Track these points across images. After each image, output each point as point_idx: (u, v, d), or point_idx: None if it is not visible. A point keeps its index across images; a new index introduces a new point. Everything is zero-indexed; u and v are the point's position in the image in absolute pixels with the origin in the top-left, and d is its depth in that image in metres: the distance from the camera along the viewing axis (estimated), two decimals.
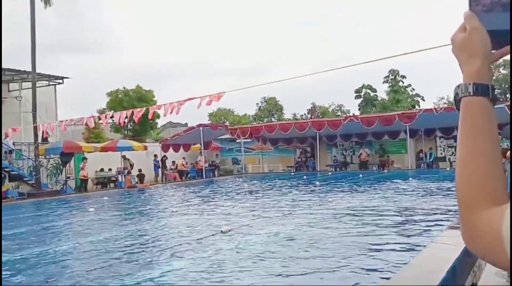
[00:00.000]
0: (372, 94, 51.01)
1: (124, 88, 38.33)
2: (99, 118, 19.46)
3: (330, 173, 28.17)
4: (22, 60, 39.85)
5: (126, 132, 37.39)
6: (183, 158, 30.30)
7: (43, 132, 21.41)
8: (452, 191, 14.22)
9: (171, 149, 29.90)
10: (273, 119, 53.43)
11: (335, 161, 31.47)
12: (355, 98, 51.55)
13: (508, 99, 28.35)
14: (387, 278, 4.89)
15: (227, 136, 33.32)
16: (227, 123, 46.16)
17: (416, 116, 25.87)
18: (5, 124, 20.69)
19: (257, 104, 57.83)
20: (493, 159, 0.79)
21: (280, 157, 34.13)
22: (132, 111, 15.74)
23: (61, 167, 24.14)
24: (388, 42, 72.69)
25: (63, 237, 9.77)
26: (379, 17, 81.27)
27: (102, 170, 25.36)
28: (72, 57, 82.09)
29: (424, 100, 49.76)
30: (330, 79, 70.93)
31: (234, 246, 7.42)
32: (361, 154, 30.39)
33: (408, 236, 7.73)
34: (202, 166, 29.75)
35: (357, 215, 10.35)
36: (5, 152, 21.98)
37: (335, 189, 17.61)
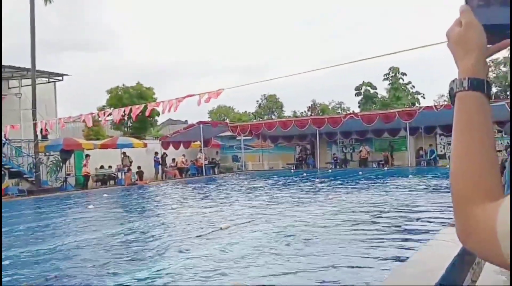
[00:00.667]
0: (372, 91, 50.96)
1: (123, 85, 38.29)
2: (98, 116, 19.40)
3: (330, 170, 28.17)
4: (23, 58, 39.83)
5: (126, 129, 37.37)
6: (183, 155, 30.30)
7: (42, 129, 21.36)
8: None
9: (171, 146, 29.92)
10: (273, 117, 53.40)
11: (335, 158, 31.48)
12: (355, 95, 51.54)
13: (508, 97, 28.30)
14: (387, 275, 4.87)
15: (227, 133, 33.32)
16: (227, 121, 46.14)
17: (416, 113, 25.87)
18: (4, 121, 20.67)
19: (257, 101, 57.86)
20: (488, 154, 0.78)
21: (280, 155, 34.13)
22: (131, 108, 15.69)
23: (61, 164, 24.14)
24: (387, 42, 72.56)
25: (63, 233, 9.76)
26: (379, 18, 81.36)
27: (102, 167, 25.36)
28: (72, 55, 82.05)
29: (424, 98, 49.74)
30: (330, 77, 71.02)
31: (233, 243, 7.40)
32: (361, 151, 30.37)
33: (408, 233, 7.73)
34: (202, 164, 29.75)
35: (356, 212, 10.33)
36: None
37: (335, 186, 17.61)
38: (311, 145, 32.88)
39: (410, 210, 10.32)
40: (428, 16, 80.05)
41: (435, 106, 26.52)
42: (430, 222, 8.51)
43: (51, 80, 27.63)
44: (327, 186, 18.04)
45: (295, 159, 33.59)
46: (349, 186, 17.16)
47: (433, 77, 67.38)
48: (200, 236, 8.25)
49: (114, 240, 8.52)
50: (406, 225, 8.56)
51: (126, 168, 25.26)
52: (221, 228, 8.71)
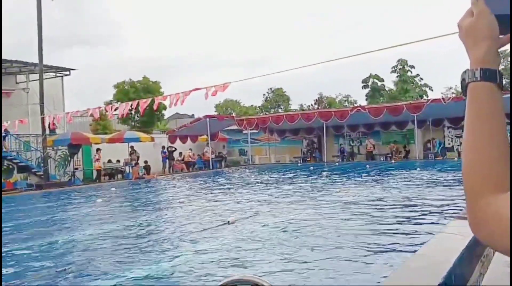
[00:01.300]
0: (379, 84, 50.71)
1: (130, 79, 38.37)
2: (105, 110, 19.51)
3: (337, 163, 28.11)
4: (30, 53, 40.04)
5: (133, 123, 37.49)
6: (190, 149, 30.36)
7: (49, 124, 21.50)
8: (460, 181, 14.14)
9: (178, 140, 29.98)
10: (279, 110, 53.32)
11: (342, 149, 31.34)
12: (362, 88, 51.33)
13: None
14: (394, 269, 4.86)
15: (234, 127, 33.32)
16: (233, 114, 46.15)
17: (424, 106, 25.72)
18: (13, 115, 20.81)
19: (264, 95, 57.77)
20: (500, 145, 0.78)
21: (287, 148, 34.10)
22: (138, 102, 15.73)
23: (69, 158, 24.28)
24: (394, 35, 72.16)
25: (74, 227, 9.83)
26: (385, 11, 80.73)
27: (109, 161, 25.48)
28: (79, 51, 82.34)
29: (432, 90, 49.42)
30: (337, 70, 70.81)
31: (241, 237, 7.42)
32: (367, 145, 30.27)
33: (415, 225, 7.70)
34: (209, 157, 29.80)
35: (364, 205, 10.31)
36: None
37: (342, 179, 17.57)
38: (318, 139, 32.82)
39: (418, 203, 10.27)
40: (435, 7, 79.34)
41: (443, 98, 26.35)
42: (438, 214, 8.47)
43: (58, 75, 27.74)
44: (334, 179, 18.01)
45: (302, 153, 33.54)
46: (356, 179, 17.12)
47: (441, 70, 66.98)
48: (207, 229, 8.27)
49: (124, 233, 8.56)
50: (414, 217, 8.53)
51: (133, 162, 25.37)
52: (228, 222, 8.72)
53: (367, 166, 23.82)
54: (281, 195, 13.26)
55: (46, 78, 24.00)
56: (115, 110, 17.88)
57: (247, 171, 26.29)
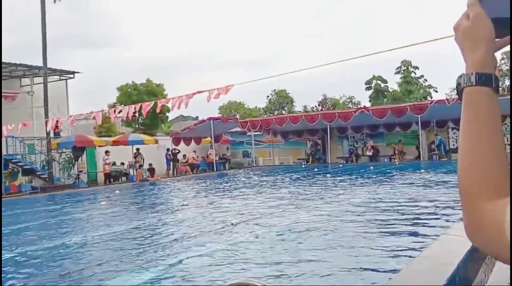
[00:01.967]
0: (383, 85, 50.65)
1: (133, 82, 38.42)
2: (108, 113, 19.56)
3: (341, 165, 28.07)
4: (34, 55, 40.21)
5: (137, 126, 37.55)
6: (194, 151, 30.38)
7: (52, 127, 21.56)
8: None
9: (182, 143, 30.00)
10: (283, 112, 53.32)
11: (351, 151, 31.21)
12: (366, 89, 51.27)
13: None
14: (398, 270, 4.85)
15: (238, 129, 33.30)
16: (237, 116, 46.15)
17: (428, 107, 25.61)
18: (17, 119, 20.88)
19: (268, 96, 57.79)
20: (497, 150, 0.77)
21: (291, 150, 34.06)
22: (141, 105, 15.76)
23: (73, 161, 24.35)
24: (397, 35, 72.06)
25: (81, 229, 9.87)
26: (389, 8, 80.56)
27: (114, 164, 25.53)
28: (83, 52, 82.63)
29: (436, 91, 49.28)
30: (341, 71, 70.45)
31: (244, 239, 7.42)
32: (368, 147, 30.18)
33: (419, 228, 7.68)
34: (213, 159, 29.82)
35: (367, 207, 10.29)
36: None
37: (347, 181, 17.55)
38: (322, 140, 32.76)
39: (422, 205, 10.24)
40: (439, 9, 79.23)
41: (447, 99, 26.20)
42: (442, 216, 8.44)
43: (62, 77, 27.85)
44: (338, 181, 17.98)
45: (306, 155, 33.48)
46: (360, 181, 17.09)
47: (446, 71, 66.75)
48: (211, 231, 8.27)
49: (128, 236, 8.58)
50: (418, 219, 8.50)
51: (138, 165, 25.40)
52: (232, 224, 8.72)
53: (371, 167, 23.77)
54: (285, 197, 13.24)
55: (50, 81, 24.10)
56: (119, 113, 17.91)
57: (251, 173, 26.28)
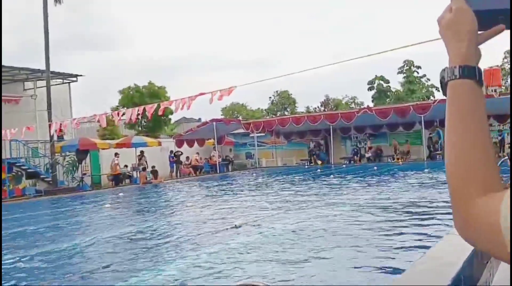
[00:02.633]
0: (385, 85, 50.59)
1: (135, 85, 38.47)
2: (112, 116, 19.62)
3: (344, 165, 28.04)
4: (37, 59, 40.31)
5: (140, 128, 37.59)
6: (197, 153, 30.41)
7: (56, 130, 21.66)
8: None
9: (185, 145, 30.04)
10: (286, 113, 53.31)
11: (356, 151, 31.12)
12: (368, 90, 51.22)
13: None
14: (403, 270, 4.84)
15: (241, 130, 33.33)
16: (240, 118, 46.17)
17: (431, 106, 25.57)
18: (20, 122, 20.96)
19: (270, 98, 57.79)
20: (483, 143, 0.76)
21: (294, 151, 34.04)
22: (144, 108, 15.81)
23: (77, 164, 24.41)
24: (399, 34, 72.04)
25: (85, 231, 9.88)
26: (389, 8, 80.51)
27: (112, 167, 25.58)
28: (84, 55, 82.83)
29: (439, 91, 48.60)
30: (343, 71, 70.65)
31: (248, 240, 7.41)
32: (369, 147, 30.12)
33: (424, 227, 7.66)
34: (216, 161, 29.83)
35: (371, 207, 10.28)
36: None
37: (350, 181, 17.53)
38: (324, 141, 32.73)
39: (426, 204, 10.22)
40: (439, 8, 78.93)
41: None
42: (447, 215, 8.42)
43: (65, 81, 27.92)
44: (342, 181, 17.96)
45: (309, 155, 33.44)
46: (364, 181, 17.06)
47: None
48: (215, 233, 8.27)
49: (132, 237, 8.60)
50: (423, 218, 8.49)
51: (141, 167, 25.43)
52: (235, 226, 8.72)
53: (375, 168, 23.73)
54: (289, 198, 13.23)
55: (53, 85, 24.18)
56: (122, 115, 17.96)
57: (254, 174, 26.28)
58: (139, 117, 20.98)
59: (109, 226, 10.40)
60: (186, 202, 13.97)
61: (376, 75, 50.41)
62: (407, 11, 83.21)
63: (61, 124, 19.82)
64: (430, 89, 49.33)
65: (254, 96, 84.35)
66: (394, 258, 5.76)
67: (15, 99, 24.13)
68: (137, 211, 13.18)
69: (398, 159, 28.20)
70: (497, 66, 31.81)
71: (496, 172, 0.75)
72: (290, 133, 33.16)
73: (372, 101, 50.07)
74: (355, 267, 5.50)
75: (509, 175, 6.33)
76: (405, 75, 49.31)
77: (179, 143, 29.83)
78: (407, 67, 49.05)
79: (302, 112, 51.44)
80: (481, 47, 0.86)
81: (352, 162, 30.15)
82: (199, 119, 48.09)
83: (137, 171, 25.49)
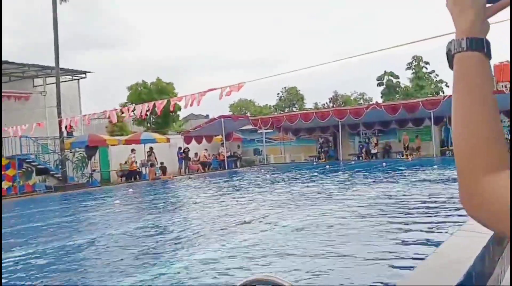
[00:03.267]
0: (394, 81, 50.32)
1: (142, 81, 38.58)
2: (122, 111, 19.70)
3: (353, 162, 27.96)
4: (46, 57, 40.56)
5: (148, 125, 37.75)
6: (205, 149, 30.47)
7: (66, 127, 21.80)
8: None
9: (193, 141, 30.11)
10: (294, 109, 53.23)
11: (362, 146, 31.00)
12: (377, 85, 51.00)
13: None
14: (413, 267, 4.83)
15: (249, 127, 33.33)
16: (248, 114, 46.17)
17: (440, 102, 25.39)
18: (31, 118, 21.12)
19: (278, 94, 57.73)
20: (491, 118, 0.73)
21: (302, 147, 33.99)
22: (154, 104, 15.86)
23: (87, 160, 24.57)
24: (410, 30, 71.48)
25: (95, 228, 9.96)
26: (389, 8, 79.98)
27: (126, 163, 25.71)
28: (94, 53, 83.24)
29: (448, 86, 48.85)
30: (352, 67, 70.32)
31: (258, 236, 7.43)
32: (375, 143, 29.99)
33: (434, 224, 7.63)
34: (224, 157, 29.88)
35: (381, 203, 10.25)
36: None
37: (359, 178, 17.48)
38: (333, 137, 32.65)
39: (436, 200, 10.17)
40: (439, 7, 78.17)
41: None
42: (457, 212, 8.37)
43: (74, 77, 28.07)
44: (351, 178, 17.92)
45: (317, 152, 33.39)
46: (373, 178, 17.01)
47: None
48: (224, 229, 8.30)
49: (142, 233, 8.65)
50: (433, 215, 8.45)
51: (149, 163, 25.56)
52: (245, 222, 8.74)
53: (384, 164, 23.64)
54: (298, 194, 13.23)
55: (62, 81, 24.32)
56: (133, 111, 18.04)
57: (263, 170, 26.29)
58: (149, 113, 21.07)
59: (124, 221, 10.48)
60: (196, 198, 14.02)
61: (385, 71, 50.15)
62: (407, 11, 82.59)
63: (71, 120, 19.93)
64: (439, 84, 49.02)
65: (262, 93, 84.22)
66: (405, 255, 5.74)
67: (25, 95, 24.31)
68: (150, 207, 13.24)
69: (407, 155, 28.06)
70: (507, 61, 31.51)
71: (505, 149, 0.73)
72: (298, 130, 33.10)
73: (381, 97, 49.86)
74: (366, 263, 5.49)
75: None
76: (413, 71, 49.02)
77: (188, 140, 29.90)
78: (416, 63, 48.75)
79: (310, 108, 51.36)
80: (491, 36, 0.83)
81: (360, 158, 30.04)
82: (207, 115, 48.17)
83: (146, 167, 25.61)
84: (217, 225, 8.84)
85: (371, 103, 39.14)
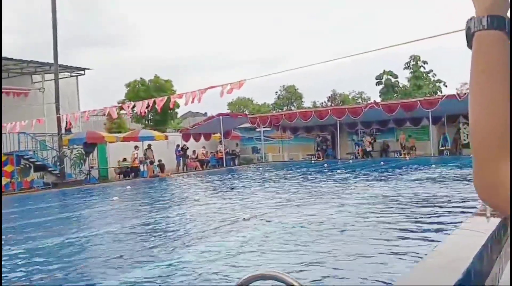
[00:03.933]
0: (393, 80, 50.34)
1: (141, 78, 38.46)
2: (121, 108, 19.67)
3: (351, 161, 28.02)
4: (47, 53, 40.45)
5: (146, 122, 37.70)
6: (204, 147, 30.48)
7: (66, 123, 21.79)
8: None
9: (191, 139, 30.13)
10: (292, 108, 53.24)
11: (357, 144, 31.07)
12: (376, 84, 50.99)
13: None
14: (413, 265, 4.86)
15: (247, 125, 33.36)
16: (246, 112, 46.16)
17: (438, 102, 25.45)
18: (29, 115, 21.09)
19: (276, 92, 57.70)
20: (510, 100, 0.70)
21: (300, 146, 34.05)
22: (154, 100, 15.86)
23: (85, 157, 24.56)
24: (408, 29, 71.51)
25: (95, 224, 9.99)
26: (389, 8, 79.98)
27: (125, 160, 25.72)
28: (93, 51, 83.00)
29: (446, 86, 48.95)
30: (350, 66, 70.30)
31: (257, 234, 7.46)
32: (369, 142, 30.06)
33: (433, 223, 7.67)
34: (222, 155, 29.90)
35: (379, 202, 10.29)
36: None
37: (357, 176, 17.52)
38: (331, 136, 32.70)
39: (434, 200, 10.22)
40: (439, 7, 78.48)
41: (458, 94, 26.01)
42: (455, 211, 8.42)
43: (73, 74, 28.01)
44: (349, 176, 17.96)
45: (315, 150, 33.44)
46: (370, 177, 17.06)
47: (455, 65, 66.18)
48: (223, 226, 8.32)
49: (140, 230, 8.67)
50: (431, 214, 8.49)
51: (148, 161, 25.57)
52: (244, 219, 8.77)
53: (382, 163, 23.69)
54: (296, 192, 13.27)
55: (61, 78, 24.26)
56: (133, 108, 18.02)
57: (261, 168, 26.31)
58: (146, 110, 21.05)
59: (115, 219, 10.50)
60: (194, 196, 14.03)
61: (384, 70, 50.15)
62: (407, 11, 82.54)
63: (70, 117, 19.90)
64: (437, 84, 49.05)
65: (260, 91, 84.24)
66: (404, 252, 5.78)
67: (24, 92, 24.25)
68: (150, 204, 13.23)
69: (405, 154, 28.13)
70: None
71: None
72: (296, 128, 33.14)
73: (380, 96, 49.85)
74: (364, 262, 5.52)
75: None
76: (411, 70, 49.04)
77: (186, 137, 29.92)
78: (414, 63, 48.76)
79: (308, 107, 51.36)
80: None
81: (357, 157, 30.09)
82: (205, 113, 48.15)
83: (144, 165, 25.62)
84: (215, 222, 8.86)
85: (369, 102, 39.19)
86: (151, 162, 25.55)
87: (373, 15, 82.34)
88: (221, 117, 29.97)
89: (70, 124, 23.58)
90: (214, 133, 31.56)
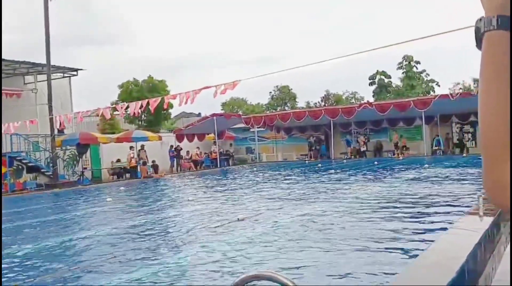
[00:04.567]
0: (386, 80, 50.52)
1: (134, 79, 38.29)
2: (115, 109, 19.61)
3: (344, 161, 28.08)
4: (39, 53, 40.22)
5: (140, 123, 37.57)
6: (197, 148, 30.44)
7: (60, 123, 21.68)
8: (466, 177, 14.10)
9: (185, 139, 30.07)
10: (286, 108, 53.27)
11: (348, 141, 31.14)
12: (369, 85, 51.14)
13: None
14: (407, 264, 4.88)
15: (241, 125, 33.36)
16: (240, 113, 46.16)
17: (431, 102, 25.58)
18: (22, 116, 20.97)
19: (270, 93, 57.70)
20: None
21: (294, 146, 34.09)
22: (148, 101, 15.81)
23: (78, 158, 24.44)
24: (401, 30, 71.78)
25: (88, 225, 9.93)
26: (389, 8, 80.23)
27: (118, 160, 25.62)
28: (86, 50, 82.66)
29: (439, 86, 49.20)
30: (344, 67, 70.42)
31: (251, 234, 7.45)
32: (363, 142, 30.12)
33: (427, 222, 7.70)
34: (216, 156, 29.87)
35: (373, 202, 10.31)
36: None
37: (350, 176, 17.56)
38: (325, 136, 32.76)
39: (428, 199, 10.26)
40: (439, 7, 78.84)
41: (450, 94, 26.15)
42: (449, 210, 8.46)
43: (65, 75, 27.87)
44: (342, 176, 18.00)
45: (309, 150, 33.48)
46: (364, 176, 17.10)
47: (448, 65, 66.61)
48: (217, 226, 8.31)
49: (134, 231, 8.63)
50: (425, 213, 8.52)
51: (142, 161, 25.48)
52: (238, 219, 8.76)
53: (375, 162, 23.77)
54: (291, 192, 13.27)
55: (54, 79, 24.14)
56: (126, 109, 17.97)
57: (255, 169, 26.31)
58: (141, 110, 21.01)
59: (107, 221, 10.45)
60: (188, 196, 14.00)
61: (377, 70, 50.31)
62: (407, 11, 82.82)
63: (63, 118, 19.81)
64: (430, 84, 49.29)
65: (254, 92, 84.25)
66: (398, 251, 5.80)
67: (16, 93, 24.10)
68: (143, 205, 13.19)
69: (398, 154, 28.23)
70: None
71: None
72: (290, 128, 33.18)
73: (373, 96, 50.01)
74: (358, 261, 5.53)
75: None
76: (404, 70, 49.25)
77: (180, 138, 29.86)
78: (407, 63, 48.97)
79: (302, 107, 51.41)
80: None
81: (351, 157, 30.14)
82: (199, 113, 48.05)
83: (138, 166, 25.53)
84: (210, 223, 8.84)
85: (362, 102, 39.29)
86: (144, 163, 25.47)
87: (373, 15, 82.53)
88: (215, 117, 29.94)
89: (63, 125, 23.46)
90: (208, 134, 31.52)
